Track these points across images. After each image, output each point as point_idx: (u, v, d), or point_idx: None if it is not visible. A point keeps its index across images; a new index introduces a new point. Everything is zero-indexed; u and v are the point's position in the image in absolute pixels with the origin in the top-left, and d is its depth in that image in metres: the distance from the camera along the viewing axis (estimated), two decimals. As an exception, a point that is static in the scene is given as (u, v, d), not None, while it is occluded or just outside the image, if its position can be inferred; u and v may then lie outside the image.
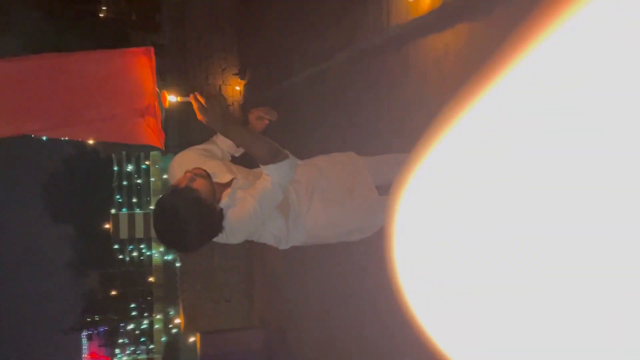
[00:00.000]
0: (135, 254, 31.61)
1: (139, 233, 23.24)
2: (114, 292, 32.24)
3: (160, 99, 1.59)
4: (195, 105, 1.56)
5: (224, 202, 1.70)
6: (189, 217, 1.58)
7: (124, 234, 23.36)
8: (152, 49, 1.55)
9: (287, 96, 5.61)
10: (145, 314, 29.84)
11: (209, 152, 1.94)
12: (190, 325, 9.12)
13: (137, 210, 24.13)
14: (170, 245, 1.65)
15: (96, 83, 1.55)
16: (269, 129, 1.97)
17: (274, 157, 1.66)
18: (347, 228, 2.03)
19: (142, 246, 30.10)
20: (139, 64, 1.55)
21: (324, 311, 5.32)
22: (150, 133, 1.60)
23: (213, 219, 1.65)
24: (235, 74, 8.45)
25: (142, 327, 29.87)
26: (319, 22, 4.35)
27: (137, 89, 1.56)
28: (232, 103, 8.43)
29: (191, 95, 1.56)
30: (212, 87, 8.62)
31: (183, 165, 1.77)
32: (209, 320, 8.91)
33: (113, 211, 24.91)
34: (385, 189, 2.17)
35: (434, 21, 2.84)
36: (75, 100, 1.54)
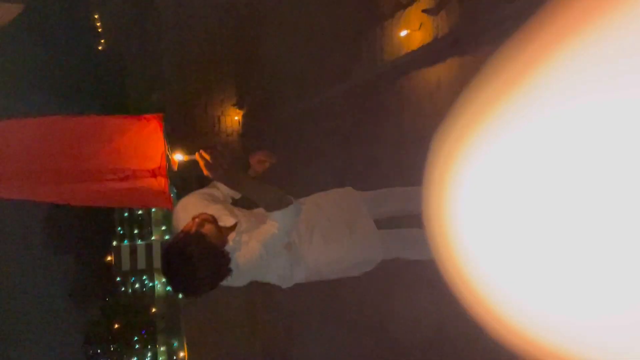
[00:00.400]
0: (137, 285, 31.40)
1: (141, 264, 23.13)
2: (116, 325, 31.95)
3: (170, 163, 1.64)
4: (201, 163, 1.62)
5: (230, 246, 1.75)
6: (200, 262, 1.63)
7: (125, 265, 23.25)
8: (161, 116, 1.62)
9: (284, 128, 5.69)
10: (149, 346, 29.49)
11: (211, 195, 1.99)
12: (195, 358, 9.06)
13: (139, 242, 24.08)
14: (180, 290, 1.69)
15: (110, 147, 1.60)
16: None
17: (279, 204, 1.72)
18: (348, 263, 2.06)
19: (144, 277, 29.92)
20: (150, 129, 1.62)
21: (328, 341, 5.30)
22: (161, 194, 1.65)
23: (222, 263, 1.70)
24: (234, 105, 8.53)
25: (146, 360, 29.53)
26: (315, 56, 4.44)
27: (149, 152, 1.62)
28: (232, 133, 8.51)
29: (197, 154, 1.62)
30: (211, 118, 8.71)
31: (187, 209, 1.81)
32: (213, 351, 8.87)
33: (114, 243, 24.84)
34: (384, 223, 2.22)
35: (426, 56, 2.92)
36: (89, 163, 1.59)
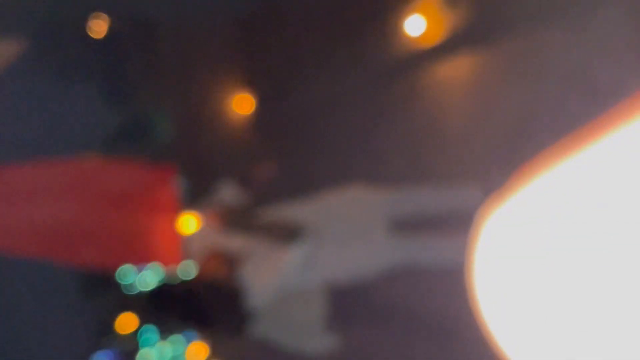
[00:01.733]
0: (146, 278, 31.76)
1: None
2: (126, 317, 32.41)
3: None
4: (215, 222, 1.66)
5: (245, 281, 1.77)
6: (221, 308, 1.73)
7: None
8: (173, 166, 1.63)
9: (292, 121, 5.68)
10: (163, 338, 29.83)
11: None
12: (211, 348, 9.14)
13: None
14: (207, 334, 1.77)
15: (120, 184, 1.59)
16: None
17: (296, 239, 1.78)
18: (362, 268, 2.05)
19: (152, 270, 30.21)
20: (164, 177, 1.62)
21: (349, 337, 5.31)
22: (171, 233, 1.64)
23: (241, 301, 1.74)
24: (244, 90, 8.49)
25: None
26: (324, 50, 4.41)
27: (160, 193, 1.62)
28: (242, 125, 8.50)
29: (210, 217, 1.67)
30: (219, 106, 8.67)
31: (199, 235, 1.82)
32: (227, 342, 8.94)
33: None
34: (397, 225, 2.20)
35: (439, 50, 2.91)
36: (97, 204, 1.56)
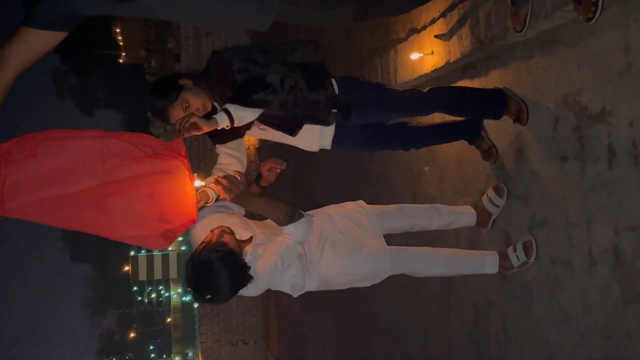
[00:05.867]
0: (153, 295, 31.64)
1: (158, 274, 23.30)
2: (131, 334, 32.22)
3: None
4: (218, 188, 1.76)
5: (247, 258, 1.87)
6: (221, 269, 1.76)
7: (142, 275, 23.43)
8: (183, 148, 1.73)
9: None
10: (164, 356, 29.58)
11: (226, 208, 2.11)
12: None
13: (155, 252, 24.26)
14: (202, 298, 1.82)
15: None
16: (281, 178, 2.17)
17: (291, 219, 1.84)
18: (357, 276, 2.16)
19: (160, 287, 30.12)
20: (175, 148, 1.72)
21: (340, 349, 5.37)
22: (186, 180, 1.68)
23: (242, 270, 1.82)
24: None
25: (161, 369, 29.52)
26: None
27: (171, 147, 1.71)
28: (249, 147, 8.66)
29: (213, 179, 1.76)
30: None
31: (205, 224, 1.93)
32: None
33: (132, 253, 25.06)
34: (396, 238, 2.33)
35: (437, 79, 3.03)
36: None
